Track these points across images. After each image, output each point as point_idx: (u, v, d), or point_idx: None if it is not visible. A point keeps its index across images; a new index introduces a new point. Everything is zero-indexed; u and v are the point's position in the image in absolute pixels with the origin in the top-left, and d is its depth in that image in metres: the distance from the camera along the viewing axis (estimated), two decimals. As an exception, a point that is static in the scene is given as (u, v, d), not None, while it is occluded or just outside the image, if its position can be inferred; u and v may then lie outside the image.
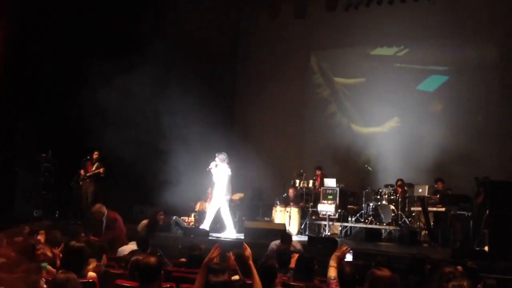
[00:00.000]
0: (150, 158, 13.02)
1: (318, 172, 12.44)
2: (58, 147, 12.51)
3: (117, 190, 12.38)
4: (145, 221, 9.35)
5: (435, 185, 11.05)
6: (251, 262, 4.46)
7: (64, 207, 12.28)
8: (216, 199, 10.93)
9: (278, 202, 12.32)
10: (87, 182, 11.89)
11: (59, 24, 13.12)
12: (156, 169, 13.03)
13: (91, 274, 4.61)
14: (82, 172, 11.89)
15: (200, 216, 12.54)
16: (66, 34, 13.16)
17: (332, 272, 4.39)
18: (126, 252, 6.78)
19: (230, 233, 10.81)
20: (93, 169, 11.80)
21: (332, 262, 4.47)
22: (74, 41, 13.21)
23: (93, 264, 5.06)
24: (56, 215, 12.19)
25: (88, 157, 11.91)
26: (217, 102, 14.14)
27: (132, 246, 6.98)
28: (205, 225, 10.94)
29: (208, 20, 12.56)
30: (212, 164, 10.93)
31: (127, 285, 4.57)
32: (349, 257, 5.62)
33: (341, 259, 4.57)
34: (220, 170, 10.89)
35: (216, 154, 11.01)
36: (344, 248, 4.62)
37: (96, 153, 11.96)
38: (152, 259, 3.96)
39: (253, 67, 14.92)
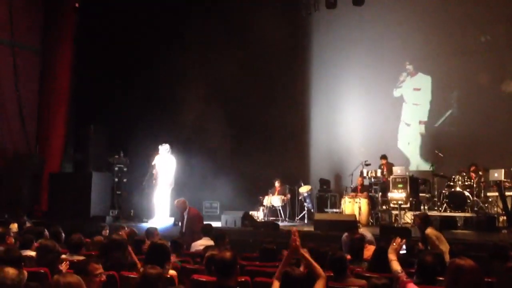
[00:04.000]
0: (217, 153, 13.21)
1: (383, 161, 12.15)
2: (127, 148, 12.93)
3: (187, 187, 12.64)
4: None
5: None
6: (302, 251, 4.24)
7: (138, 205, 12.64)
8: (161, 188, 11.15)
9: (346, 192, 12.19)
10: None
11: (124, 32, 13.58)
12: (223, 164, 13.22)
13: (172, 272, 4.67)
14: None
15: (269, 210, 12.61)
16: (132, 42, 13.61)
17: (397, 266, 4.30)
18: (198, 247, 6.91)
19: (158, 220, 11.01)
20: None
21: (392, 256, 4.39)
22: (137, 48, 13.64)
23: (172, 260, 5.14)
24: (131, 214, 12.60)
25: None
26: (281, 95, 14.13)
27: (204, 241, 7.08)
28: (159, 217, 11.15)
29: (269, 15, 12.57)
30: (157, 159, 11.14)
31: (204, 279, 4.63)
32: (403, 249, 5.43)
33: (398, 251, 4.49)
34: (165, 160, 11.08)
35: (159, 147, 11.20)
36: (399, 240, 4.54)
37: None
38: (228, 254, 3.97)
39: (316, 56, 14.74)
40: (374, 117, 13.75)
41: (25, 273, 4.12)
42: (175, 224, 10.79)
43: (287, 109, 14.20)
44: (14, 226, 8.88)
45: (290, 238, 4.23)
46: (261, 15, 12.48)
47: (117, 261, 4.96)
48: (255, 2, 12.53)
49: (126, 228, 7.95)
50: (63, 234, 6.95)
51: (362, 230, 8.12)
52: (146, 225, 10.62)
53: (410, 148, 13.39)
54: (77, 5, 13.77)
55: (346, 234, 7.72)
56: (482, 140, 12.26)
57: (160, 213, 11.27)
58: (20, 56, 13.84)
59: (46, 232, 6.93)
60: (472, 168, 11.21)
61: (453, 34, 12.88)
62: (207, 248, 5.97)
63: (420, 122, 13.41)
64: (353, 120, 13.99)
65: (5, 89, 13.55)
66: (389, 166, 11.99)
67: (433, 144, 12.77)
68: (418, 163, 13.12)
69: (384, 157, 12.23)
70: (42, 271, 4.74)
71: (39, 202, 13.29)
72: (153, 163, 11.21)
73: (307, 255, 4.30)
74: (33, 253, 5.55)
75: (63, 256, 5.51)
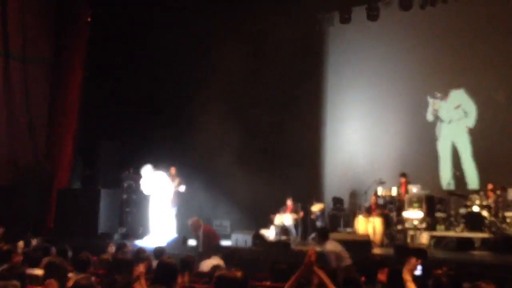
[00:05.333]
0: (228, 171, 13.07)
1: (403, 180, 11.85)
2: (137, 165, 12.82)
3: (195, 205, 12.53)
4: None
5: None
6: (316, 269, 4.24)
7: (147, 223, 12.50)
8: (160, 207, 11.29)
9: (359, 211, 11.95)
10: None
11: (136, 47, 13.62)
12: (234, 182, 13.07)
13: None
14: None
15: (280, 229, 12.40)
16: (145, 57, 13.65)
17: (412, 287, 4.30)
18: (207, 267, 6.75)
19: (152, 238, 11.13)
20: (175, 185, 11.83)
21: (407, 277, 4.39)
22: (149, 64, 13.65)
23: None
24: (140, 231, 12.45)
25: (167, 174, 12.05)
26: (294, 111, 14.00)
27: (213, 261, 6.91)
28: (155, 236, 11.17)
29: (284, 28, 12.54)
30: (144, 184, 11.30)
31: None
32: (418, 270, 5.34)
33: (413, 272, 4.48)
34: (152, 180, 11.20)
35: (141, 171, 11.33)
36: (414, 260, 4.54)
37: (173, 168, 12.13)
38: (239, 274, 3.83)
39: (331, 72, 14.66)
40: (392, 134, 13.48)
41: None
42: None
43: (301, 125, 14.04)
44: (21, 244, 8.81)
45: (303, 257, 4.18)
46: (276, 31, 12.48)
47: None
48: (270, 18, 12.51)
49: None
50: (70, 252, 6.87)
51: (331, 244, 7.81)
52: (139, 242, 10.72)
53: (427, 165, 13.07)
54: (89, 19, 13.90)
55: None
56: (497, 156, 12.02)
57: (156, 231, 11.33)
58: (32, 70, 13.96)
59: (53, 250, 6.86)
60: (490, 187, 10.97)
61: (470, 48, 12.71)
62: (215, 267, 5.82)
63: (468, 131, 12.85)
64: (369, 138, 13.82)
65: (15, 102, 13.64)
66: (407, 185, 11.72)
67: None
68: (436, 180, 12.79)
69: (404, 175, 11.94)
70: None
71: (47, 219, 13.22)
72: (141, 188, 11.43)
73: (322, 274, 4.25)
74: (40, 272, 5.45)
75: (70, 274, 5.39)
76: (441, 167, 12.88)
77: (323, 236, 7.88)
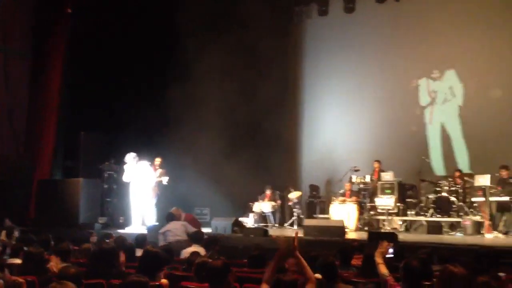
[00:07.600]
0: (208, 159, 13.26)
1: (376, 165, 12.21)
2: (118, 155, 12.92)
3: (175, 194, 12.66)
4: None
5: (499, 173, 10.66)
6: (298, 254, 4.20)
7: (128, 213, 12.62)
8: (143, 196, 11.40)
9: (335, 198, 12.27)
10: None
11: (117, 39, 13.61)
12: (213, 170, 13.26)
13: (164, 281, 4.60)
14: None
15: (259, 216, 12.68)
16: (126, 49, 13.66)
17: (384, 269, 4.38)
18: (188, 254, 6.95)
19: (134, 228, 11.31)
20: (157, 176, 11.77)
21: (379, 259, 4.49)
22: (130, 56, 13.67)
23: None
24: (120, 221, 12.55)
25: (150, 164, 12.06)
26: (272, 101, 14.16)
27: (194, 248, 7.10)
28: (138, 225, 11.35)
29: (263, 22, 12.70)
30: (126, 172, 11.41)
31: (194, 287, 4.64)
32: (390, 252, 5.53)
33: (384, 255, 4.57)
34: (134, 169, 11.32)
35: (125, 158, 11.45)
36: (386, 244, 4.66)
37: (158, 159, 12.05)
38: (219, 262, 3.99)
39: (308, 63, 14.84)
40: (368, 123, 13.71)
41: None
42: None
43: (279, 115, 14.27)
44: (3, 234, 8.86)
45: (276, 244, 4.31)
46: (253, 23, 12.59)
47: (104, 271, 4.95)
48: (246, 9, 12.62)
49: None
50: (52, 242, 6.96)
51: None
52: (122, 231, 10.80)
53: (398, 152, 13.35)
54: (69, 10, 13.76)
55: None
56: (467, 143, 12.42)
57: (137, 221, 11.44)
58: (11, 61, 13.78)
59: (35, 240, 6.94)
60: (457, 174, 11.35)
61: (445, 36, 12.97)
62: (194, 254, 5.99)
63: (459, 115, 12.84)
64: (345, 127, 14.04)
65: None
66: (380, 171, 12.06)
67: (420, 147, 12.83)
68: (406, 167, 13.06)
69: (378, 161, 12.27)
70: (29, 279, 4.73)
71: (28, 209, 13.21)
72: (122, 178, 11.57)
73: (302, 258, 4.29)
74: (19, 261, 5.60)
75: (52, 263, 5.53)
76: (431, 151, 12.95)
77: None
